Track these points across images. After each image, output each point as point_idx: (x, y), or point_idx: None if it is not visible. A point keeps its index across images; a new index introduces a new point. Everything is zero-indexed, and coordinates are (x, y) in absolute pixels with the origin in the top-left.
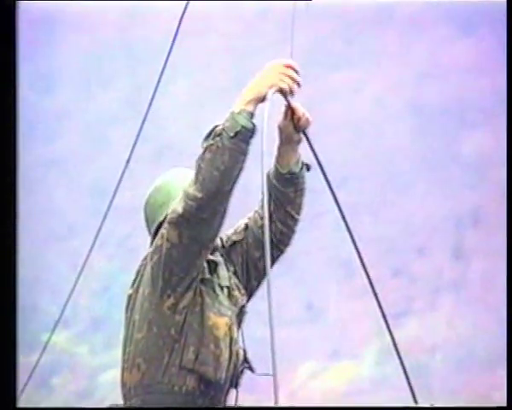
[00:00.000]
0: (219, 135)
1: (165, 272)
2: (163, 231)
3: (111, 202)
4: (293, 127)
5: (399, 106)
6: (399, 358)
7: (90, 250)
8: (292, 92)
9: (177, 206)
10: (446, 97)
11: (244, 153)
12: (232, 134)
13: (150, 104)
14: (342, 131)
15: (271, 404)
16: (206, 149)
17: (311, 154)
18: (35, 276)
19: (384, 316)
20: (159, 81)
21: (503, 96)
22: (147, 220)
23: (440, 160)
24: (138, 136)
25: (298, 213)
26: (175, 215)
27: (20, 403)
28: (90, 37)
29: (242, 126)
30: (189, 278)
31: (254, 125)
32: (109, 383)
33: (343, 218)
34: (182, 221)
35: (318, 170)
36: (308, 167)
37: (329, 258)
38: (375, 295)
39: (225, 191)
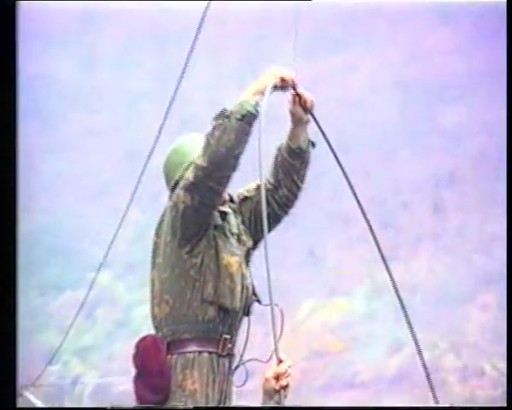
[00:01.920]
0: (228, 117)
1: (182, 226)
2: (180, 192)
3: (145, 164)
4: (302, 109)
5: (388, 84)
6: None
7: (128, 204)
8: (294, 83)
9: (189, 174)
10: (428, 77)
11: (247, 134)
12: (239, 117)
13: (178, 86)
14: (340, 106)
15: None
16: (215, 128)
17: (318, 129)
18: (81, 226)
19: (383, 258)
20: (185, 66)
21: (476, 75)
22: (166, 177)
23: (422, 130)
24: (168, 111)
25: (302, 182)
26: (187, 182)
27: (69, 330)
28: (126, 27)
29: (248, 111)
30: (201, 230)
31: (258, 112)
32: (142, 316)
33: (346, 177)
34: (193, 188)
35: (322, 141)
36: (313, 144)
37: (328, 213)
38: (375, 239)
39: (230, 165)
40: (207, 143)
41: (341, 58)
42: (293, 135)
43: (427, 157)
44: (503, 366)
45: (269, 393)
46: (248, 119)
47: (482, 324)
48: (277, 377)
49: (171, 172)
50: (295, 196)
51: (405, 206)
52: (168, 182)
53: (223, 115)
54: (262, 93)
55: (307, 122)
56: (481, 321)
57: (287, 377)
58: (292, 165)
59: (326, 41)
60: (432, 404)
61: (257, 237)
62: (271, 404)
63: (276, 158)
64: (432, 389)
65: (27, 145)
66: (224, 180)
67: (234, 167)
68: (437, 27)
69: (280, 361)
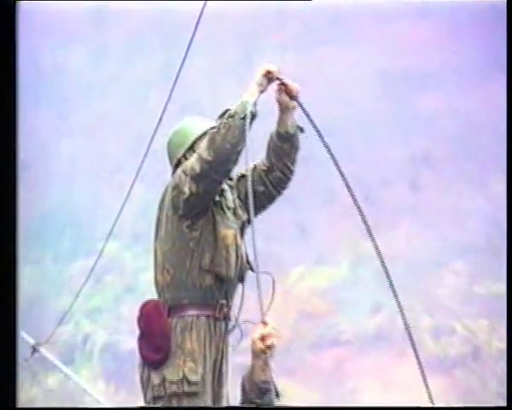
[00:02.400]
0: (232, 116)
1: (185, 208)
2: (185, 178)
3: (149, 145)
4: (289, 97)
5: (370, 74)
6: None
7: (132, 184)
8: (279, 75)
9: (194, 165)
10: (408, 67)
11: (247, 131)
12: (242, 116)
13: (178, 75)
14: (326, 93)
15: (268, 297)
16: (221, 126)
17: (305, 116)
18: (93, 202)
19: (369, 230)
20: (184, 57)
21: (450, 65)
22: (169, 156)
23: (402, 114)
24: (169, 99)
25: (293, 165)
26: (194, 173)
27: (79, 292)
28: (131, 21)
29: (250, 112)
30: (202, 211)
31: (256, 111)
32: (147, 282)
33: (332, 156)
34: (199, 178)
35: (310, 127)
36: (302, 130)
37: (315, 190)
38: (361, 213)
39: (233, 160)
40: (213, 140)
41: (327, 50)
42: (281, 121)
43: (405, 139)
44: (472, 325)
45: (256, 353)
46: (251, 118)
47: (454, 288)
48: (263, 339)
49: (173, 151)
50: (288, 178)
51: (385, 183)
52: (171, 160)
53: (228, 115)
54: (260, 91)
55: (293, 109)
56: (453, 286)
57: (271, 338)
58: (282, 149)
59: (313, 35)
60: (409, 359)
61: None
62: (260, 363)
63: (269, 143)
64: (414, 348)
65: (45, 130)
66: (226, 173)
67: (236, 161)
68: (417, 22)
69: (264, 324)
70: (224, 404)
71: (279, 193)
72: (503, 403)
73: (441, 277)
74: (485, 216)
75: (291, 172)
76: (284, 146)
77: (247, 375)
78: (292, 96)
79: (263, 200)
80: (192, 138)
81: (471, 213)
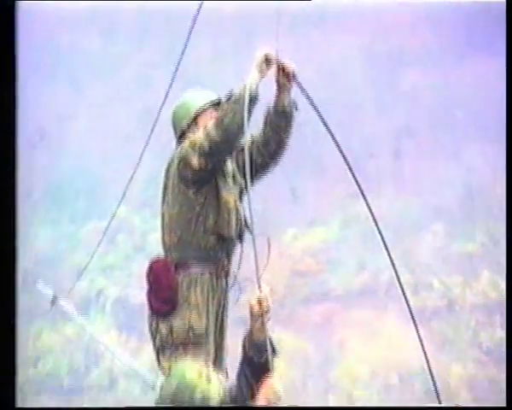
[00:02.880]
0: (238, 101)
1: (193, 179)
2: (192, 153)
3: (156, 118)
4: (286, 78)
5: (356, 54)
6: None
7: (142, 154)
8: (276, 58)
9: (203, 143)
10: (390, 46)
11: (251, 113)
12: (248, 101)
13: (182, 54)
14: (317, 72)
15: (265, 257)
16: (228, 109)
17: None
18: (105, 170)
19: (364, 196)
20: (188, 39)
21: (429, 47)
22: (173, 126)
23: (385, 90)
24: (174, 75)
25: (288, 138)
26: (203, 150)
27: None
28: (140, 7)
29: (254, 96)
30: (208, 180)
31: (258, 94)
32: (155, 242)
33: (327, 128)
34: (208, 155)
35: (304, 100)
36: (296, 107)
37: (308, 159)
38: (354, 177)
39: (238, 138)
40: (222, 122)
41: (318, 33)
42: (279, 99)
43: (388, 114)
44: (447, 280)
45: (254, 316)
46: (253, 101)
47: (432, 248)
48: (260, 302)
49: (177, 122)
50: (283, 150)
51: (371, 155)
52: (175, 130)
53: (234, 98)
54: (259, 78)
55: (290, 88)
56: (431, 246)
57: (267, 301)
58: (279, 124)
59: (306, 20)
60: (390, 312)
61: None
62: (258, 325)
63: (266, 118)
64: (407, 303)
65: (62, 104)
66: (232, 149)
67: (240, 140)
68: (397, 7)
69: (260, 289)
70: (225, 354)
71: (275, 163)
72: (478, 352)
73: (420, 238)
74: (460, 183)
75: (285, 144)
76: (281, 122)
77: (247, 335)
78: (289, 77)
79: (260, 170)
80: (194, 111)
81: (447, 181)
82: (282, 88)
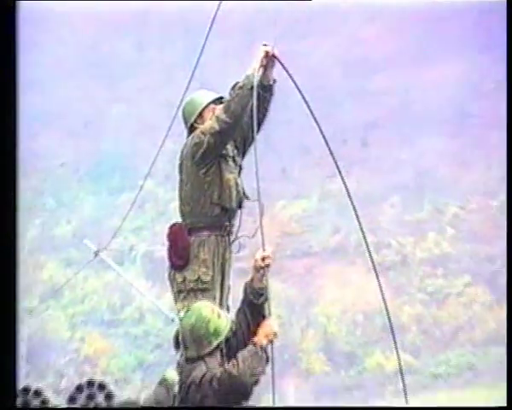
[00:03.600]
0: (242, 88)
1: (204, 158)
2: (203, 134)
3: (176, 110)
4: (271, 59)
5: (336, 61)
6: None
7: (164, 138)
8: (274, 54)
9: (214, 125)
10: (362, 54)
11: (253, 98)
12: (249, 87)
13: (198, 59)
14: (305, 75)
15: (260, 219)
16: (235, 95)
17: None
18: (135, 152)
19: (342, 177)
20: (203, 47)
21: (392, 53)
22: (184, 120)
23: (357, 90)
24: (190, 79)
25: (269, 108)
26: (213, 130)
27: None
28: (165, 16)
29: (253, 83)
30: (214, 160)
31: (257, 82)
32: (175, 210)
33: (312, 115)
34: (218, 134)
35: (295, 93)
36: (275, 81)
37: (295, 142)
38: (335, 161)
39: (243, 120)
40: (229, 106)
41: (305, 41)
42: (265, 76)
43: (359, 109)
44: (402, 240)
45: (257, 268)
46: (252, 91)
47: (390, 215)
48: (263, 258)
49: (187, 117)
50: (265, 118)
51: (344, 142)
52: (186, 123)
53: (239, 86)
54: (259, 68)
55: (273, 66)
56: (390, 214)
57: (269, 259)
58: (264, 97)
59: (298, 30)
60: (358, 266)
61: (243, 153)
62: (258, 276)
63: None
64: (371, 258)
65: (99, 98)
66: (237, 129)
67: (243, 120)
68: (367, 21)
69: (264, 249)
70: (226, 295)
71: (259, 130)
72: (424, 295)
73: (382, 208)
74: (413, 166)
75: (267, 113)
76: (266, 93)
77: (249, 282)
78: (273, 57)
79: (250, 136)
80: (200, 108)
81: (403, 164)
82: (268, 67)
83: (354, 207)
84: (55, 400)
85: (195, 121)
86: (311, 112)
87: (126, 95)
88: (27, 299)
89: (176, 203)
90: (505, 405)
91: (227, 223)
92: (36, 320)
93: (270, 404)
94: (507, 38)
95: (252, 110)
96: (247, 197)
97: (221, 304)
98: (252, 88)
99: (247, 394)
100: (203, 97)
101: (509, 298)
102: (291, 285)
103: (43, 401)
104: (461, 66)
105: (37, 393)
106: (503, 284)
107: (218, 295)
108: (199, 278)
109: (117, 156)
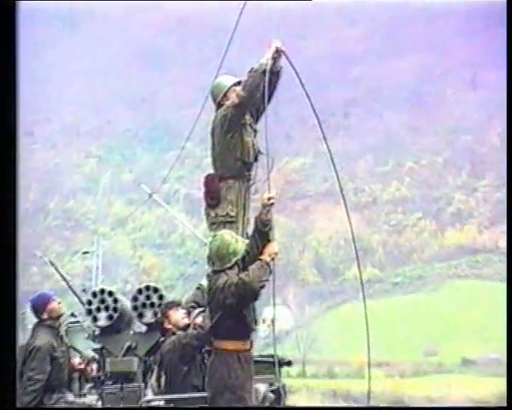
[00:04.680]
0: (256, 71)
1: (229, 126)
2: (228, 107)
3: (206, 96)
4: (278, 52)
5: (318, 56)
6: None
7: (200, 112)
8: (281, 48)
9: (235, 99)
10: (343, 49)
11: (264, 80)
12: (261, 71)
13: (223, 56)
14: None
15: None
16: (251, 77)
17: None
18: (179, 120)
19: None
20: (228, 44)
21: (370, 46)
22: (212, 99)
23: (338, 80)
24: (219, 69)
25: (275, 90)
26: (235, 104)
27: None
28: (187, 21)
29: (265, 69)
30: (237, 126)
31: (268, 68)
32: (208, 165)
33: (303, 86)
34: (239, 107)
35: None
36: (281, 68)
37: (295, 116)
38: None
39: (257, 95)
40: (246, 85)
41: (303, 41)
42: (274, 64)
43: (341, 90)
44: (373, 187)
45: (264, 206)
46: (265, 73)
47: (364, 168)
48: (269, 198)
49: (215, 96)
50: (272, 95)
51: (332, 114)
52: (214, 101)
53: (254, 69)
54: (270, 58)
55: (281, 56)
56: (363, 167)
57: (273, 198)
58: (273, 79)
59: (297, 32)
60: (341, 207)
61: (257, 121)
62: (265, 211)
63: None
64: (344, 199)
65: (151, 81)
66: (252, 103)
67: (258, 95)
68: (350, 24)
69: (269, 191)
70: (246, 226)
71: (268, 103)
72: (388, 227)
73: (357, 163)
74: (382, 133)
75: (274, 91)
76: (274, 77)
77: (258, 215)
78: (280, 50)
79: (262, 108)
80: (225, 89)
81: (375, 132)
82: (276, 58)
83: (333, 164)
84: (123, 298)
85: (221, 99)
86: (306, 92)
87: (173, 79)
88: (102, 226)
89: (209, 159)
90: (505, 405)
91: (246, 173)
92: (108, 242)
93: (271, 307)
94: (507, 37)
95: (264, 89)
96: (261, 153)
97: (243, 232)
98: (264, 72)
99: (255, 295)
100: (227, 81)
101: (509, 298)
102: (291, 219)
103: (115, 300)
104: (416, 59)
105: (111, 293)
106: (446, 217)
107: (240, 226)
108: (227, 213)
109: (166, 124)
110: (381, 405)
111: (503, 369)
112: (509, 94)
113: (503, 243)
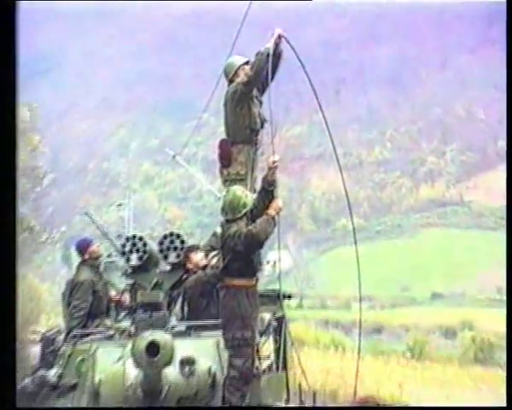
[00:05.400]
0: (262, 54)
1: (239, 99)
2: (239, 84)
3: (220, 76)
4: (280, 38)
5: (322, 46)
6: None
7: (214, 89)
8: (284, 35)
9: (243, 78)
10: (339, 42)
11: (268, 63)
12: (266, 55)
13: (233, 43)
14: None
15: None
16: (257, 59)
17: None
18: (198, 97)
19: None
20: (238, 32)
21: (362, 40)
22: (225, 76)
23: (332, 60)
24: (229, 55)
25: (276, 72)
26: (244, 81)
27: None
28: (200, 18)
29: (269, 53)
30: (246, 99)
31: (272, 51)
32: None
33: (303, 66)
34: (247, 84)
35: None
36: (282, 51)
37: (294, 91)
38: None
39: (263, 75)
40: (253, 65)
41: (302, 31)
42: (277, 48)
43: (333, 69)
44: (362, 153)
45: (269, 168)
46: (269, 55)
47: (352, 135)
48: (273, 162)
49: (227, 74)
50: (275, 74)
51: (324, 88)
52: (226, 78)
53: (261, 53)
54: (274, 44)
55: (281, 42)
56: (351, 136)
57: (277, 161)
58: (276, 61)
59: (298, 23)
60: (335, 168)
61: (263, 94)
62: (271, 172)
63: (267, 60)
64: (338, 161)
65: (173, 63)
66: (259, 80)
67: (263, 73)
68: (338, 18)
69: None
70: (254, 183)
71: (272, 80)
72: (373, 185)
73: (346, 131)
74: (366, 106)
75: (277, 71)
76: (274, 61)
77: (264, 176)
78: (281, 36)
79: (266, 84)
80: (235, 68)
81: (360, 104)
82: (279, 43)
83: (329, 131)
84: (151, 242)
85: (232, 76)
86: (306, 72)
87: (191, 61)
88: (133, 183)
89: (222, 128)
90: (505, 405)
91: (254, 138)
92: (138, 196)
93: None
94: (507, 37)
95: (268, 68)
96: (266, 121)
97: (251, 188)
98: (268, 55)
99: (261, 245)
100: (237, 61)
101: (508, 298)
102: (291, 178)
103: (145, 244)
104: (395, 45)
105: (141, 238)
106: (420, 176)
107: (249, 183)
108: (237, 172)
109: (185, 98)
110: (364, 333)
111: (467, 300)
112: (508, 94)
113: (467, 198)
